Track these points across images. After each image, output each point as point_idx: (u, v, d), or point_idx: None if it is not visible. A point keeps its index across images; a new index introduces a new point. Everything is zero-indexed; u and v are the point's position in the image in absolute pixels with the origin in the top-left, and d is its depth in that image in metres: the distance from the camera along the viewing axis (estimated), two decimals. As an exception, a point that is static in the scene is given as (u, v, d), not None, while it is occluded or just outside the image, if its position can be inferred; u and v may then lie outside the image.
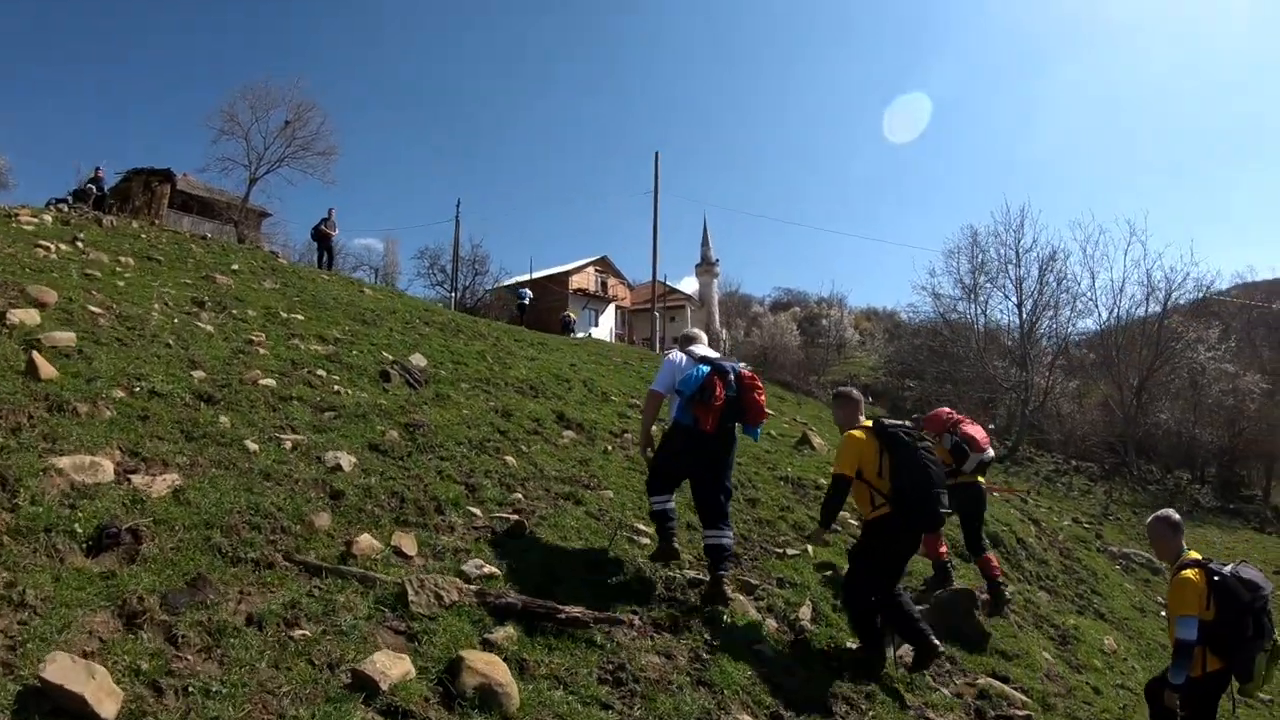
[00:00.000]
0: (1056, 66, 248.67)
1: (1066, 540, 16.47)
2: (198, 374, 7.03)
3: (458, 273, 51.76)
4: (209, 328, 9.05)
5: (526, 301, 37.68)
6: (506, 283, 56.08)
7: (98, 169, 24.42)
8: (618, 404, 12.97)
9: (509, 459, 7.66)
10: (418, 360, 10.81)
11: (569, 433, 9.75)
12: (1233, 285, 44.79)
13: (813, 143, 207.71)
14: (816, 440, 15.28)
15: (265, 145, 36.18)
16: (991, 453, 8.17)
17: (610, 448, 9.63)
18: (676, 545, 5.92)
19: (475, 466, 7.16)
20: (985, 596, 7.88)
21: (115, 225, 17.14)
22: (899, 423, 5.84)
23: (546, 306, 53.45)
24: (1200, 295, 39.44)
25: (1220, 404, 37.42)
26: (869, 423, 5.88)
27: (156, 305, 9.54)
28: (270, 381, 7.42)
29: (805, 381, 46.63)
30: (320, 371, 8.45)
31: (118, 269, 11.44)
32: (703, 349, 6.23)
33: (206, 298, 10.87)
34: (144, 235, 16.25)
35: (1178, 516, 5.83)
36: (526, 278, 57.67)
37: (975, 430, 7.90)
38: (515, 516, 6.16)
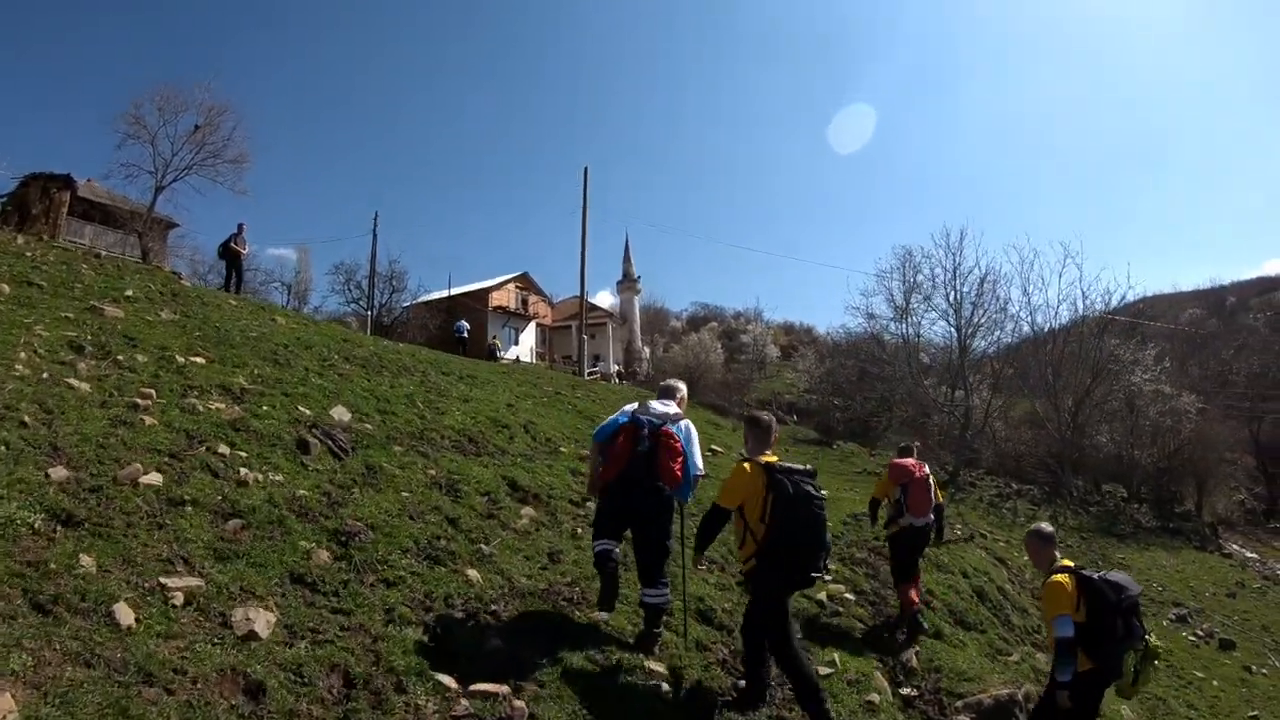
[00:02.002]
0: (974, 83, 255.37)
1: (1034, 579, 15.80)
2: (58, 473, 5.38)
3: (374, 289, 49.59)
4: (85, 386, 7.38)
5: (465, 335, 38.45)
6: (424, 298, 54.18)
7: (-24, 173, 22.08)
8: (567, 457, 11.73)
9: (470, 572, 6.23)
10: (340, 414, 9.33)
11: (527, 510, 8.42)
12: (1156, 295, 45.51)
13: (735, 158, 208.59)
14: None
15: (173, 151, 33.53)
16: (930, 519, 8.88)
17: (579, 529, 8.34)
18: (614, 586, 5.90)
19: (432, 590, 5.71)
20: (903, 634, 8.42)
21: (-5, 241, 15.19)
22: (795, 467, 5.57)
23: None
24: (1129, 317, 39.86)
25: (1159, 426, 37.76)
26: (770, 458, 5.61)
27: (22, 354, 7.87)
28: (156, 477, 5.77)
29: (730, 401, 45.88)
30: (223, 448, 6.85)
31: (-19, 302, 9.68)
32: (660, 403, 6.14)
33: (88, 339, 9.17)
34: (28, 253, 14.34)
35: (1050, 529, 6.17)
36: (445, 294, 55.92)
37: (921, 496, 8.67)
38: (502, 690, 4.67)
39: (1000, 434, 40.36)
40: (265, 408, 8.57)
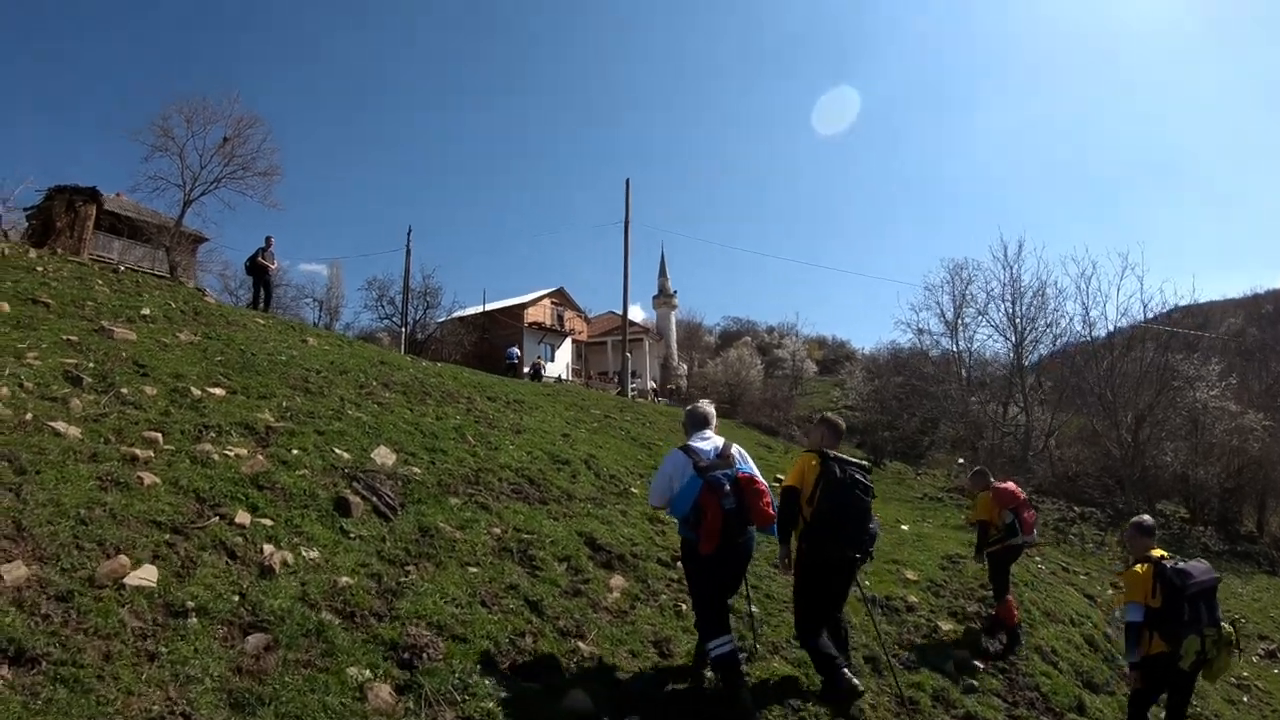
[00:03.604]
0: (999, 96, 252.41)
1: (1123, 614, 14.15)
2: (14, 572, 3.83)
3: (408, 305, 48.31)
4: (74, 431, 5.90)
5: (516, 361, 37.95)
6: (459, 314, 52.91)
7: (-10, 186, 20.93)
8: (640, 500, 10.19)
9: (576, 694, 4.69)
10: (383, 456, 7.85)
11: (616, 579, 6.96)
12: (1192, 305, 42.87)
13: (759, 171, 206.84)
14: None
15: (202, 164, 32.56)
16: (1034, 536, 9.62)
17: (680, 603, 6.84)
18: (745, 690, 5.36)
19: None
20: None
21: (5, 254, 13.89)
22: (850, 458, 5.95)
23: (503, 342, 50.73)
24: (1180, 327, 37.61)
25: (1225, 444, 35.59)
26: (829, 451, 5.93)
27: (4, 389, 6.41)
28: (150, 573, 4.22)
29: (773, 418, 44.08)
30: (241, 515, 5.33)
31: (-27, 323, 8.29)
32: (706, 439, 5.74)
33: (89, 368, 7.74)
34: (40, 267, 13.03)
35: (1151, 521, 6.62)
36: (480, 310, 54.67)
37: (1030, 517, 9.25)
38: None
39: (1055, 453, 38.31)
40: (295, 451, 7.09)
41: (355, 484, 6.54)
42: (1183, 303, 39.13)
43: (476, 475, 8.57)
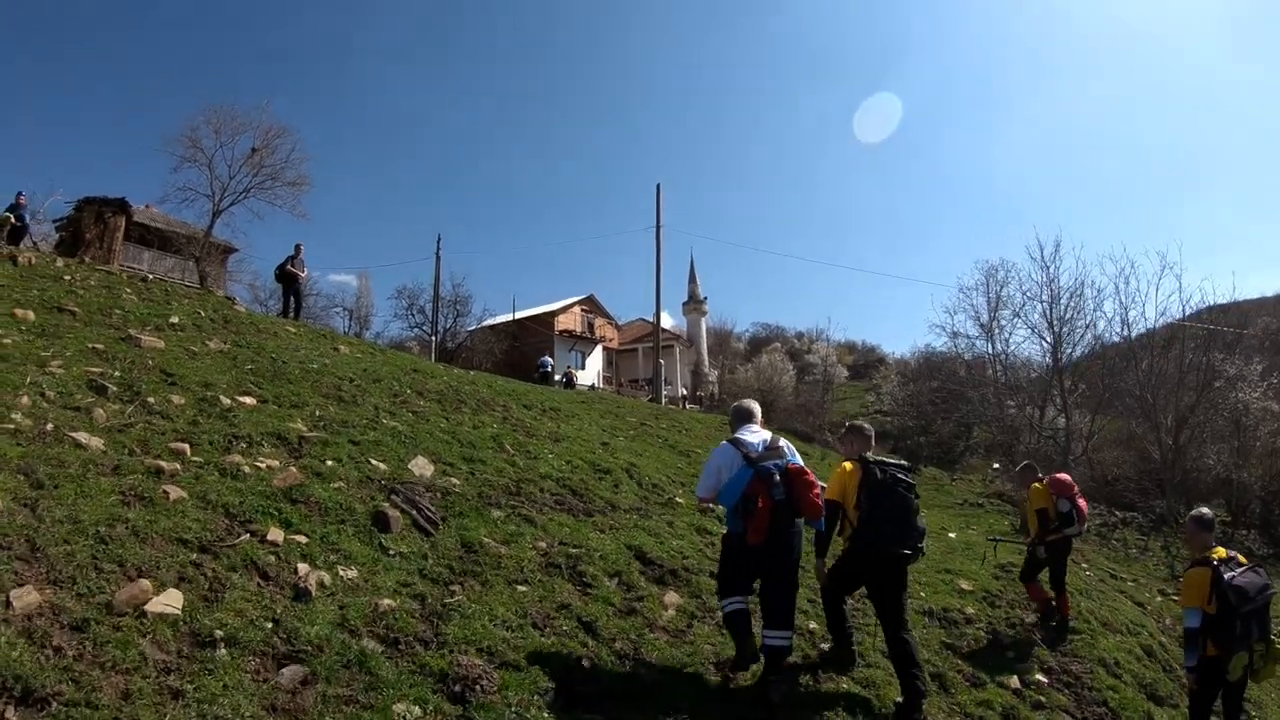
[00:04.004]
0: (1024, 95, 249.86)
1: (1174, 623, 13.68)
2: (25, 598, 3.43)
3: (438, 314, 48.12)
4: (97, 442, 5.54)
5: (549, 369, 37.62)
6: (489, 322, 52.71)
7: (19, 195, 20.85)
8: (685, 510, 9.83)
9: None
10: (421, 467, 7.48)
11: (670, 595, 6.52)
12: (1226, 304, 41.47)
13: (785, 177, 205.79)
14: None
15: (230, 174, 32.35)
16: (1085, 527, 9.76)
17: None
18: (752, 644, 5.36)
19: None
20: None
21: (33, 263, 13.66)
22: (889, 460, 6.07)
23: (533, 350, 50.49)
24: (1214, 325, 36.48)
25: (1270, 447, 34.50)
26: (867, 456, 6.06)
27: (25, 398, 6.07)
28: (175, 598, 3.82)
29: (808, 424, 43.48)
30: (274, 531, 4.93)
31: (-3, 330, 7.99)
32: (754, 433, 5.72)
33: (115, 376, 7.42)
34: (67, 276, 12.80)
35: (1210, 515, 6.68)
36: (510, 318, 54.44)
37: (1084, 507, 9.44)
38: None
39: (1093, 456, 37.36)
40: (330, 463, 6.71)
41: (394, 497, 6.14)
42: (1218, 301, 37.92)
43: (517, 486, 8.20)
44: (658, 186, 37.32)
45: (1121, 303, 39.68)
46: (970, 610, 8.96)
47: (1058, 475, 9.58)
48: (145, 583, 3.78)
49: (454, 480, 7.64)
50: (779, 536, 5.31)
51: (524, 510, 7.40)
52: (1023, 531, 10.67)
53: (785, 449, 5.60)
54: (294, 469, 6.06)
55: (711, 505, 6.27)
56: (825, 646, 6.32)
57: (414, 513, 6.01)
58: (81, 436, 5.50)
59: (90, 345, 8.40)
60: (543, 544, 6.64)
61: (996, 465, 41.27)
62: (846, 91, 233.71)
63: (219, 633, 3.68)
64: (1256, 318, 43.82)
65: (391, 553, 5.37)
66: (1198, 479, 36.06)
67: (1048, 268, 37.10)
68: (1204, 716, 6.36)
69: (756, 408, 6.10)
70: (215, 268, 34.17)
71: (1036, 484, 9.56)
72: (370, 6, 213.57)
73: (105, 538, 4.16)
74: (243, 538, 4.69)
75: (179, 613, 3.70)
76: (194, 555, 4.31)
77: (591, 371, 55.64)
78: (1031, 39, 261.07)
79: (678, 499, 10.28)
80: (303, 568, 4.56)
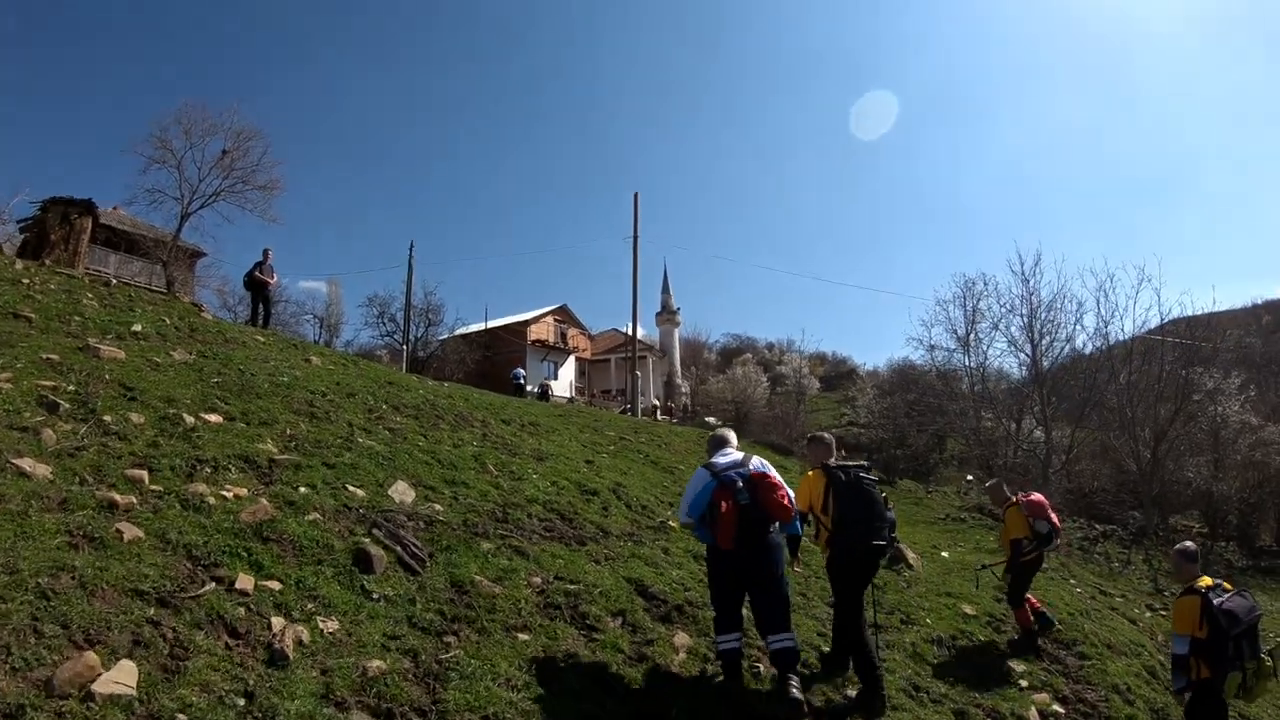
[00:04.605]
0: (998, 109, 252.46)
1: (1166, 639, 13.54)
2: None
3: (410, 322, 47.32)
4: (43, 470, 4.93)
5: (523, 382, 37.52)
6: (461, 331, 51.98)
7: (-24, 196, 19.99)
8: (678, 535, 9.40)
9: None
10: (402, 493, 6.94)
11: (679, 636, 6.10)
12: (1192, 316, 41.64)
13: (761, 188, 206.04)
14: (911, 555, 11.99)
15: (200, 176, 31.47)
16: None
17: (760, 667, 5.98)
18: (740, 685, 5.42)
19: None
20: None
21: (-12, 267, 12.96)
22: (850, 462, 6.43)
23: (506, 360, 49.85)
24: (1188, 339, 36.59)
25: (1249, 459, 34.63)
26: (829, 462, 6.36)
27: (-36, 418, 5.46)
28: (124, 678, 3.17)
29: (785, 436, 43.13)
30: (243, 578, 4.33)
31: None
32: (725, 455, 5.94)
33: (69, 391, 6.80)
34: (25, 279, 12.09)
35: (1194, 547, 7.18)
36: (482, 327, 53.76)
37: (1056, 517, 9.40)
38: None
39: (1073, 468, 37.31)
40: (303, 490, 6.15)
41: (376, 531, 5.58)
42: (1182, 314, 37.94)
43: (504, 511, 7.68)
44: (635, 196, 36.84)
45: (1101, 316, 39.49)
46: (980, 637, 8.84)
47: (1031, 497, 9.48)
48: (92, 656, 3.16)
49: (437, 506, 7.10)
50: (753, 542, 5.42)
51: (514, 540, 6.87)
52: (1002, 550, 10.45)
53: (755, 462, 5.78)
54: (264, 501, 5.46)
55: (692, 528, 6.17)
56: (851, 692, 6.10)
57: (398, 549, 5.45)
58: (26, 464, 4.89)
59: (44, 356, 7.78)
60: (538, 579, 6.12)
61: (970, 478, 41.16)
62: (819, 101, 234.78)
63: (181, 717, 3.09)
64: (1226, 330, 44.09)
65: (375, 597, 4.81)
66: (1177, 492, 36.13)
67: (1028, 281, 36.96)
68: None
69: (731, 435, 6.40)
70: (183, 272, 33.39)
71: (1013, 508, 9.36)
72: (341, 9, 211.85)
73: (48, 591, 3.56)
74: (208, 587, 4.09)
75: (133, 693, 3.10)
76: (151, 610, 3.72)
77: (564, 382, 55.08)
78: (1003, 51, 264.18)
79: (670, 523, 9.80)
80: (277, 622, 3.99)
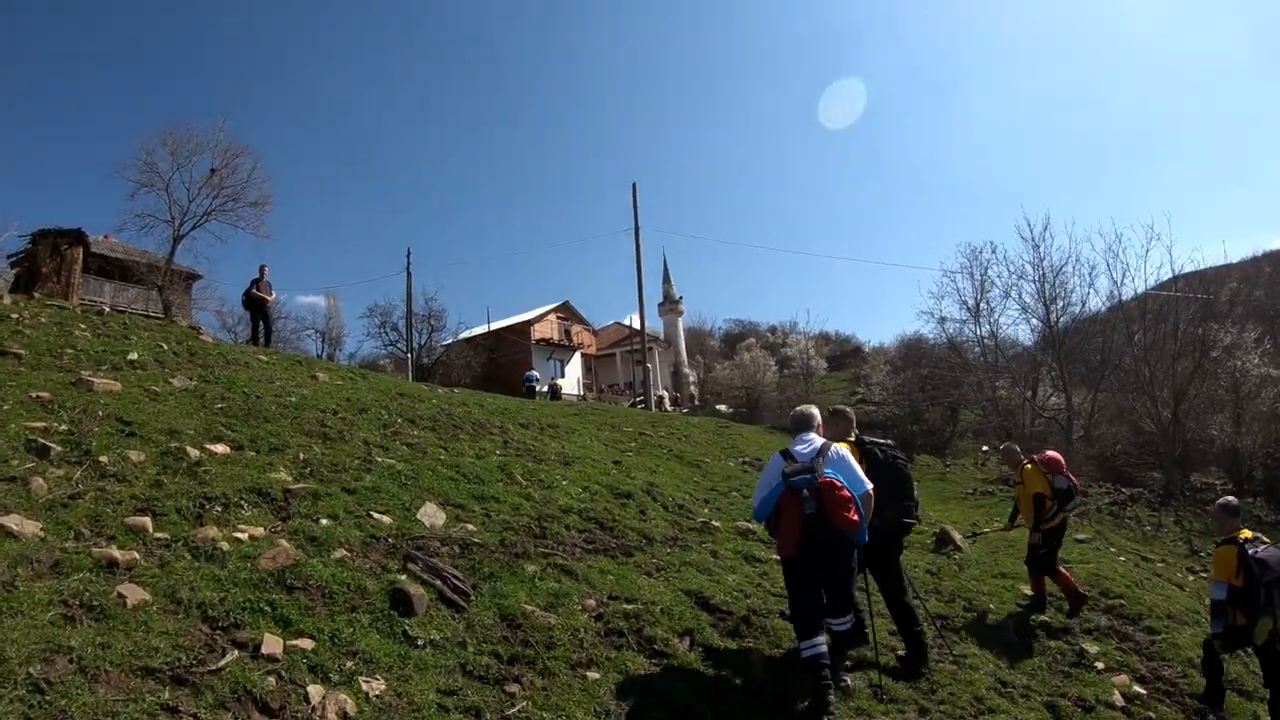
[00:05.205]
0: (973, 79, 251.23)
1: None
2: None
3: (412, 330, 46.71)
4: (33, 526, 4.32)
5: (535, 384, 37.14)
6: (465, 335, 51.38)
7: (-33, 232, 19.44)
8: (725, 534, 9.07)
9: None
10: (432, 516, 6.39)
11: (756, 655, 5.66)
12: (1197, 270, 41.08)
13: (748, 170, 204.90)
14: (957, 536, 11.51)
15: (190, 197, 30.79)
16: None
17: (848, 678, 5.62)
18: (832, 700, 5.05)
19: None
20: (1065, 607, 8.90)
21: (-27, 304, 12.41)
22: (880, 440, 6.72)
23: (511, 361, 49.34)
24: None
25: (1273, 412, 34.04)
26: (852, 437, 6.55)
27: (-57, 473, 4.86)
28: None
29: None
30: (270, 642, 3.69)
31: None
32: (806, 443, 5.75)
33: (60, 431, 6.22)
34: (14, 314, 11.55)
35: (1235, 502, 7.59)
36: (486, 329, 53.18)
37: (1074, 477, 9.26)
38: None
39: (1094, 432, 36.79)
40: (324, 522, 5.57)
41: (411, 565, 4.99)
42: (1195, 270, 37.51)
43: (540, 526, 7.13)
44: (633, 186, 36.33)
45: (1113, 279, 38.93)
46: (1043, 617, 8.58)
47: (1047, 454, 9.47)
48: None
49: (470, 526, 6.54)
50: (819, 550, 5.32)
51: (558, 559, 6.32)
52: (1011, 519, 10.63)
53: (831, 459, 5.58)
54: (284, 541, 4.85)
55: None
56: (900, 652, 6.42)
57: (438, 583, 4.86)
58: (13, 521, 4.28)
59: (34, 394, 7.20)
60: (592, 601, 5.59)
61: (986, 449, 40.70)
62: (807, 80, 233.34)
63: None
64: (1227, 282, 43.64)
65: (421, 643, 4.21)
66: (1202, 451, 35.57)
67: (1038, 246, 36.43)
68: (1218, 675, 7.24)
69: (815, 414, 6.15)
70: (179, 296, 32.77)
71: (1030, 465, 9.17)
72: (326, 17, 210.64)
73: (40, 683, 2.93)
74: (230, 656, 3.46)
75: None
76: (166, 693, 3.11)
77: (571, 379, 54.42)
78: (987, 22, 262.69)
79: (713, 523, 9.29)
80: (315, 691, 3.37)
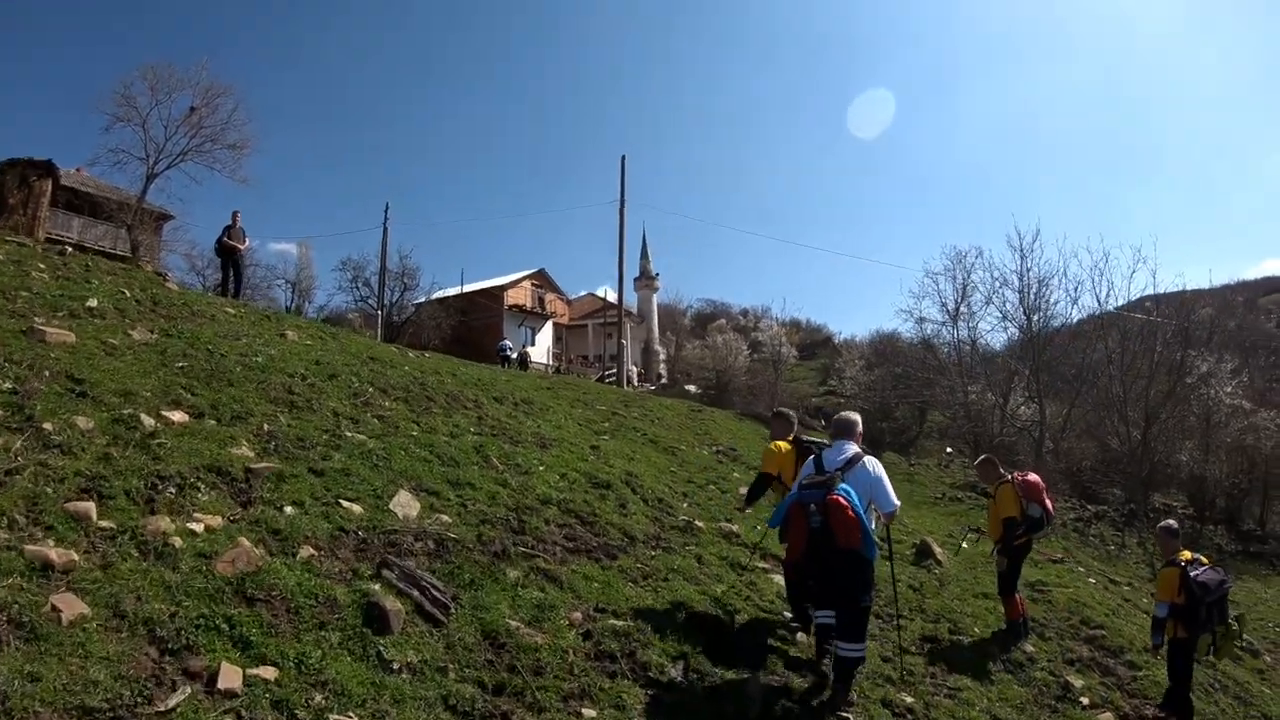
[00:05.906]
0: (975, 83, 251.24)
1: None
2: None
3: (385, 287, 45.79)
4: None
5: (509, 353, 37.36)
6: (437, 295, 50.48)
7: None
8: (707, 536, 8.84)
9: None
10: (405, 506, 5.95)
11: (753, 684, 5.24)
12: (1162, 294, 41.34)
13: (737, 157, 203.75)
14: (938, 549, 11.39)
15: (166, 135, 29.63)
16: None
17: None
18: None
19: None
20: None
21: (-73, 235, 11.64)
22: (814, 440, 7.00)
23: (483, 325, 48.68)
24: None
25: (1239, 443, 34.32)
26: (791, 437, 7.17)
27: None
28: None
29: (769, 408, 42.25)
30: (227, 672, 3.14)
31: None
32: (841, 450, 5.93)
33: (4, 391, 5.64)
34: (-33, 252, 10.82)
35: (1176, 525, 8.34)
36: (458, 291, 52.37)
37: (1051, 503, 9.11)
38: None
39: (1062, 446, 36.93)
40: (289, 510, 5.10)
41: (386, 571, 4.51)
42: (1152, 292, 37.54)
43: (519, 519, 6.75)
44: (622, 159, 35.76)
45: (1097, 297, 38.92)
46: (1029, 647, 8.42)
47: (1028, 477, 9.27)
48: None
49: (445, 518, 6.11)
50: (822, 561, 5.45)
51: (540, 561, 5.93)
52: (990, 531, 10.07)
53: (853, 474, 5.73)
54: (244, 539, 4.32)
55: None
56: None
57: (416, 594, 4.40)
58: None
59: (-21, 344, 6.58)
60: (578, 615, 5.23)
61: (949, 449, 40.77)
62: (807, 75, 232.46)
63: None
64: (1198, 306, 43.93)
65: (397, 668, 3.75)
66: (1169, 474, 35.83)
67: (1025, 256, 36.33)
68: (1186, 680, 7.63)
69: (857, 422, 6.35)
70: (149, 236, 31.67)
71: (1006, 485, 8.97)
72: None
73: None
74: (180, 693, 2.93)
75: None
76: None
77: (541, 348, 53.85)
78: (985, 26, 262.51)
79: (696, 523, 8.95)
80: (272, 742, 2.91)
